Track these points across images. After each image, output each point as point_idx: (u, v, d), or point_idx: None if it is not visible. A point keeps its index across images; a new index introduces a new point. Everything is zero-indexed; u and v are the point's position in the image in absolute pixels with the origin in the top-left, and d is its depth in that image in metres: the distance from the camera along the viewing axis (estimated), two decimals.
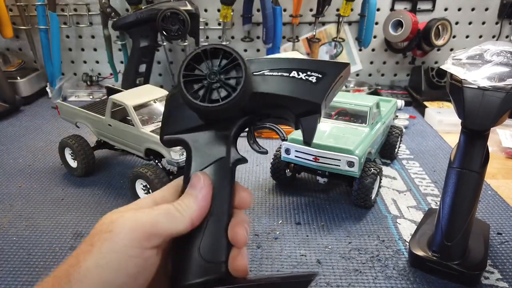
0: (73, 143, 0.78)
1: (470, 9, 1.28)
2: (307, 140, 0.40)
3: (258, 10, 1.25)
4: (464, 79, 0.46)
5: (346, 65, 0.40)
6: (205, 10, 1.28)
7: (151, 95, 0.77)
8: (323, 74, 0.40)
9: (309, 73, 0.40)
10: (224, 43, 1.27)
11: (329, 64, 0.40)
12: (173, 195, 0.38)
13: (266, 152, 0.42)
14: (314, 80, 0.40)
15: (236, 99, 0.36)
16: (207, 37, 1.31)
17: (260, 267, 0.56)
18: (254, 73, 0.38)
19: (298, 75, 0.40)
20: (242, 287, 0.36)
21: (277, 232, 0.63)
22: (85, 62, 1.39)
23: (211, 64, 0.37)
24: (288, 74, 0.40)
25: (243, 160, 0.39)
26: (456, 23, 1.29)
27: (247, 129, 0.42)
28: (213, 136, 0.39)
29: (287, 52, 1.34)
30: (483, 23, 1.30)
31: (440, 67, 0.52)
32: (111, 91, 0.88)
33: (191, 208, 0.34)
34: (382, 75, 1.39)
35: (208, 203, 0.35)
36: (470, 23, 1.30)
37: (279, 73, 0.39)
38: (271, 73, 0.39)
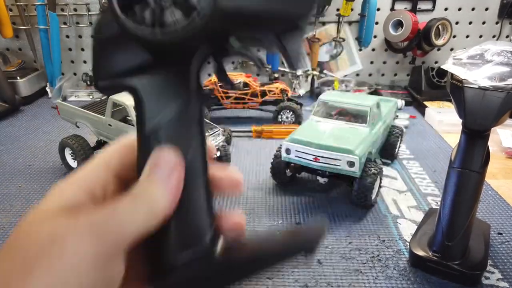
0: (73, 143, 0.78)
1: (470, 9, 1.28)
2: (294, 66, 0.30)
3: None
4: (464, 79, 0.46)
5: None
6: None
7: None
8: None
9: None
10: None
11: None
12: (107, 173, 0.29)
13: (233, 84, 0.31)
14: None
15: (200, 23, 0.25)
16: None
17: None
18: None
19: None
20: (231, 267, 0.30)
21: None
22: (85, 62, 1.39)
23: None
24: None
25: (207, 97, 0.29)
26: (456, 23, 1.29)
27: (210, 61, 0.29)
28: (167, 75, 0.28)
29: None
30: (483, 23, 1.30)
31: (441, 67, 0.52)
32: None
33: (162, 200, 0.26)
34: (382, 75, 1.39)
35: (181, 187, 0.27)
36: (470, 23, 1.30)
37: None
38: None
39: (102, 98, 0.98)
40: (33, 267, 0.23)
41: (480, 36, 1.32)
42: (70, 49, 1.37)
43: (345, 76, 1.38)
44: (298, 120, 1.04)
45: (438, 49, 1.31)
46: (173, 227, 0.27)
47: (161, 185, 0.26)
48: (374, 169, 0.67)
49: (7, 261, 0.24)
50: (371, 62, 1.37)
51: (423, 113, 1.15)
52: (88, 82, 1.36)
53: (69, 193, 0.27)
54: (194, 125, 0.30)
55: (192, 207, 0.29)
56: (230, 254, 0.29)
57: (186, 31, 0.25)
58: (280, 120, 1.05)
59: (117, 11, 0.25)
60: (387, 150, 0.86)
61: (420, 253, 0.54)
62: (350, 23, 1.32)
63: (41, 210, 0.26)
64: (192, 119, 0.30)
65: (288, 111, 1.04)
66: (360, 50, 1.35)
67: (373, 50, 1.35)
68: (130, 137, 0.31)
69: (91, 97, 1.30)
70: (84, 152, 0.78)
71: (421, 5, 1.27)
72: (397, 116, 1.07)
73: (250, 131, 1.00)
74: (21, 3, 1.27)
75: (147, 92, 0.29)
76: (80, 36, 1.35)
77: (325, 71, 1.34)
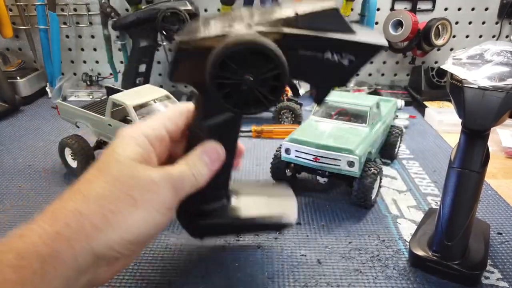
0: (73, 143, 0.78)
1: (470, 9, 1.28)
2: (318, 102, 0.45)
3: None
4: (464, 79, 0.46)
5: (382, 47, 0.40)
6: (205, 10, 1.28)
7: (151, 95, 0.77)
8: (356, 56, 0.38)
9: (343, 54, 0.38)
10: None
11: (365, 46, 0.38)
12: (165, 132, 0.43)
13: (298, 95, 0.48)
14: (346, 63, 0.38)
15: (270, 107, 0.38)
16: None
17: (261, 268, 0.55)
18: (287, 52, 0.36)
19: (332, 56, 0.38)
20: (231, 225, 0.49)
21: (277, 232, 0.63)
22: (84, 62, 1.39)
23: (248, 65, 0.35)
24: (322, 54, 0.38)
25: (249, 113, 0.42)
26: (456, 23, 1.29)
27: None
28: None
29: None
30: (483, 23, 1.30)
31: (440, 67, 0.52)
32: (111, 91, 0.88)
33: (204, 176, 0.42)
34: (382, 75, 1.39)
35: (216, 171, 0.43)
36: (470, 23, 1.30)
37: (313, 52, 0.37)
38: (305, 52, 0.37)
39: (102, 98, 0.98)
40: (138, 202, 0.35)
41: (480, 36, 1.32)
42: (70, 49, 1.37)
43: None
44: (298, 120, 1.04)
45: (438, 49, 1.31)
46: (205, 190, 0.43)
47: (207, 167, 0.42)
48: (374, 169, 0.67)
49: (114, 189, 0.35)
50: (371, 62, 1.37)
51: (423, 113, 1.15)
52: (88, 82, 1.36)
53: (140, 143, 0.40)
54: (233, 130, 0.46)
55: (217, 182, 0.45)
56: (236, 212, 0.49)
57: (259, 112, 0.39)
58: (280, 120, 1.05)
59: (216, 91, 0.37)
60: (387, 150, 0.86)
61: (420, 253, 0.54)
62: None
63: (126, 154, 0.38)
64: (233, 126, 0.45)
65: (288, 111, 1.04)
66: None
67: None
68: (183, 107, 0.45)
69: (91, 97, 1.30)
70: (84, 152, 0.78)
71: (421, 5, 1.27)
72: (397, 116, 1.07)
73: (250, 131, 1.00)
74: (21, 3, 1.27)
75: (206, 97, 0.41)
76: (80, 36, 1.35)
77: None
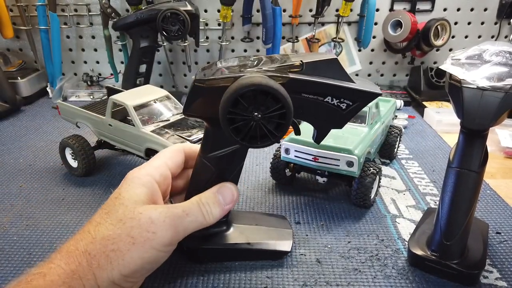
0: (73, 143, 0.78)
1: (469, 9, 1.28)
2: (318, 142, 0.48)
3: (258, 11, 1.26)
4: (463, 79, 0.47)
5: (377, 95, 0.45)
6: (205, 11, 1.28)
7: (151, 95, 0.77)
8: (354, 102, 0.44)
9: (342, 99, 0.43)
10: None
11: (363, 94, 0.44)
12: (167, 170, 0.47)
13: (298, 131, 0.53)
14: (344, 107, 0.43)
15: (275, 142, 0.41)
16: (207, 37, 1.31)
17: (260, 267, 0.56)
18: (292, 95, 0.40)
19: (332, 100, 0.43)
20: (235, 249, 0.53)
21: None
22: (85, 62, 1.39)
23: (257, 104, 0.39)
24: (322, 99, 0.43)
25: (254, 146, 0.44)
26: (455, 23, 1.29)
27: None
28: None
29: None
30: (482, 23, 1.30)
31: (439, 67, 0.53)
32: (111, 91, 0.88)
33: (216, 216, 0.45)
34: (382, 75, 1.39)
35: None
36: (469, 23, 1.30)
37: (314, 96, 0.42)
38: (307, 96, 0.42)
39: (103, 99, 0.98)
40: (136, 241, 0.39)
41: (479, 37, 1.32)
42: (70, 50, 1.37)
43: None
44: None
45: (437, 50, 1.31)
46: None
47: (221, 209, 0.45)
48: (373, 169, 0.68)
49: (117, 230, 0.39)
50: (370, 63, 1.37)
51: (422, 113, 1.16)
52: (89, 83, 1.36)
53: (145, 182, 0.43)
54: (238, 162, 0.49)
55: None
56: (234, 239, 0.53)
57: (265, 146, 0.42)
58: None
59: (227, 126, 0.40)
60: (386, 150, 0.86)
61: (419, 252, 0.54)
62: (349, 23, 1.32)
63: (131, 198, 0.41)
64: (238, 159, 0.49)
65: None
66: (359, 50, 1.35)
67: (372, 50, 1.35)
68: (180, 146, 0.50)
69: (91, 97, 1.30)
70: (85, 152, 0.78)
71: (420, 6, 1.27)
72: (396, 116, 1.07)
73: None
74: (22, 4, 1.27)
75: (216, 131, 0.44)
76: (80, 37, 1.35)
77: None
